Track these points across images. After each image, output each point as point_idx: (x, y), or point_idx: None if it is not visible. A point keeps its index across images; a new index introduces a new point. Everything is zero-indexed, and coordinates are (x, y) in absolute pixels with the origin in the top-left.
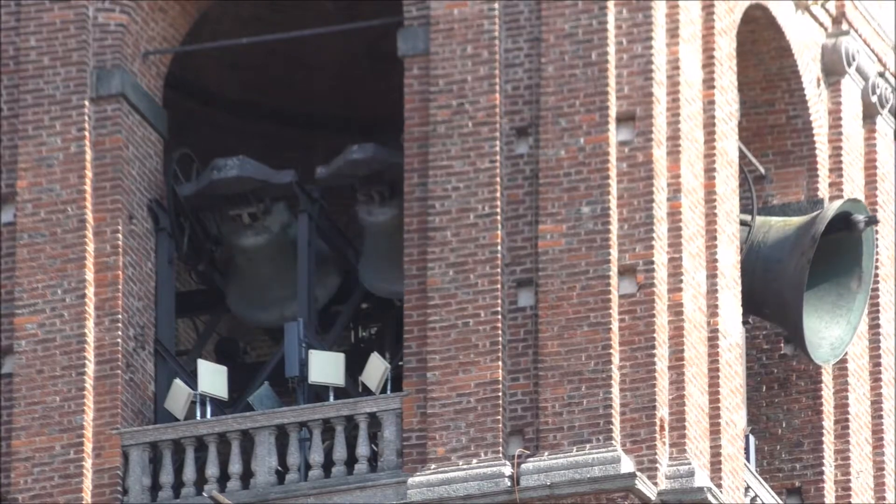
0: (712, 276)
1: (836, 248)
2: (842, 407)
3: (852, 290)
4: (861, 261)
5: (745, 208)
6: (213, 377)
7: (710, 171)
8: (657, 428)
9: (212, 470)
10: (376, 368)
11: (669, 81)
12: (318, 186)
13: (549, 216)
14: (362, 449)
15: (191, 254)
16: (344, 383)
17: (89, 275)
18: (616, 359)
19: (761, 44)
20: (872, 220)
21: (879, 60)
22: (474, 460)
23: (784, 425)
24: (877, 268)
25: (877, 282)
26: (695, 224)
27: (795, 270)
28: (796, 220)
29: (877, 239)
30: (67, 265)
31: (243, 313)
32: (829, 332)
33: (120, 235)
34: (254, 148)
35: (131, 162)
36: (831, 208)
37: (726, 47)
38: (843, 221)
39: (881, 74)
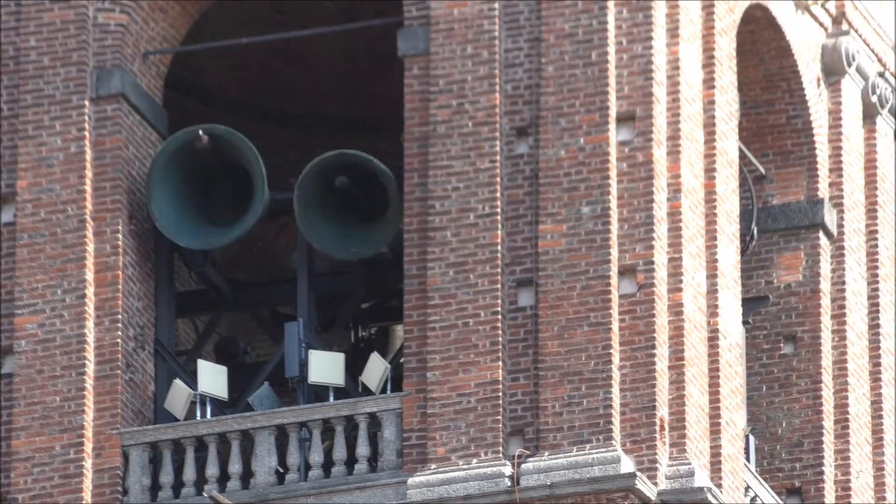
0: (712, 276)
1: None
2: (842, 407)
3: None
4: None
5: (744, 209)
6: (213, 377)
7: (710, 171)
8: (657, 428)
9: (212, 470)
10: (376, 368)
11: (669, 81)
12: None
13: (549, 216)
14: (362, 449)
15: (191, 254)
16: (344, 383)
17: (89, 275)
18: (616, 359)
19: (761, 44)
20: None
21: (879, 60)
22: (474, 460)
23: (784, 425)
24: (875, 268)
25: (877, 282)
26: (695, 224)
27: None
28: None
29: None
30: (67, 265)
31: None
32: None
33: (120, 235)
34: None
35: (131, 162)
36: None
37: (726, 47)
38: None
39: (881, 74)
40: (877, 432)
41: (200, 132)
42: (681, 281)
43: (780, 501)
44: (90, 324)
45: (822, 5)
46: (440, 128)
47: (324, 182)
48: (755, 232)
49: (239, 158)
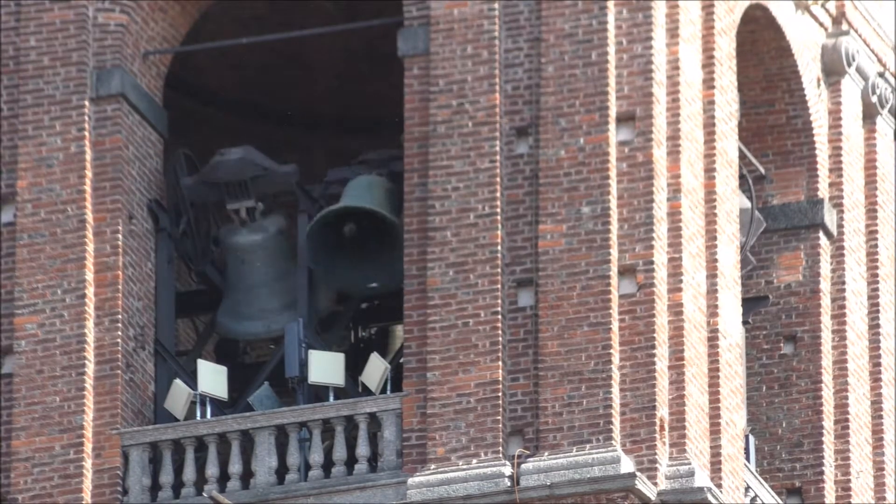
0: (712, 276)
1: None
2: (842, 407)
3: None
4: None
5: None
6: (213, 377)
7: (710, 171)
8: (657, 428)
9: (212, 470)
10: (376, 368)
11: (669, 81)
12: (316, 187)
13: (549, 216)
14: (362, 449)
15: (191, 254)
16: (344, 383)
17: (89, 275)
18: (616, 359)
19: (761, 44)
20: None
21: (879, 60)
22: (474, 460)
23: (784, 425)
24: (875, 268)
25: (877, 282)
26: (695, 224)
27: None
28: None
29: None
30: (67, 265)
31: (229, 326)
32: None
33: (120, 235)
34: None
35: (131, 162)
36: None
37: (726, 47)
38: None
39: (881, 74)
40: (877, 432)
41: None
42: (681, 281)
43: (780, 501)
44: (90, 324)
45: (822, 5)
46: (440, 128)
47: (332, 231)
48: (752, 229)
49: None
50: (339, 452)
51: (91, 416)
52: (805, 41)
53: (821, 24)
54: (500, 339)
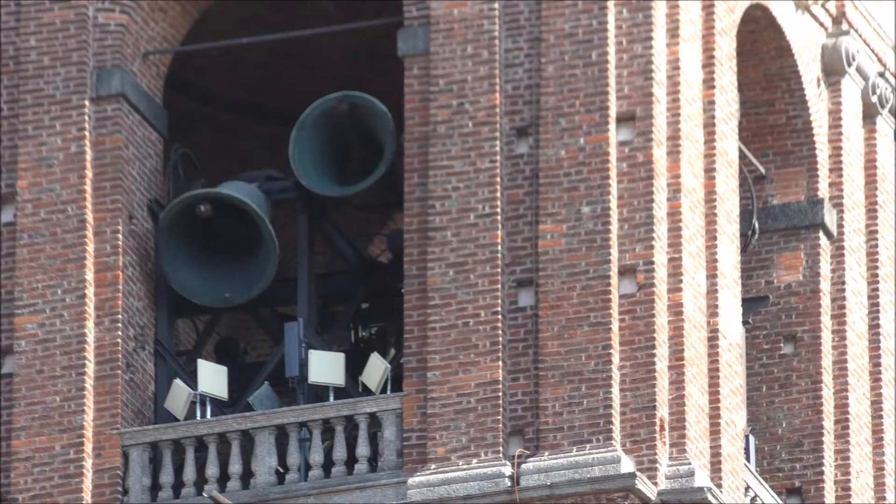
0: (712, 276)
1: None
2: (842, 407)
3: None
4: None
5: (744, 209)
6: (213, 377)
7: (710, 171)
8: (657, 428)
9: (212, 470)
10: (376, 368)
11: (669, 81)
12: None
13: (549, 216)
14: (362, 449)
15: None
16: (344, 383)
17: (89, 275)
18: (616, 359)
19: (761, 44)
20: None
21: (879, 60)
22: (474, 460)
23: (784, 425)
24: (875, 268)
25: (877, 282)
26: (695, 224)
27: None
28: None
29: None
30: (67, 265)
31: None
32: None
33: (120, 235)
34: (254, 148)
35: (131, 162)
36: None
37: (726, 47)
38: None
39: (881, 74)
40: (877, 432)
41: (202, 207)
42: (681, 281)
43: (780, 501)
44: (90, 324)
45: (822, 5)
46: (440, 128)
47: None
48: (756, 226)
49: (248, 215)
50: (339, 452)
51: (91, 416)
52: (805, 41)
53: (821, 24)
54: (501, 339)
